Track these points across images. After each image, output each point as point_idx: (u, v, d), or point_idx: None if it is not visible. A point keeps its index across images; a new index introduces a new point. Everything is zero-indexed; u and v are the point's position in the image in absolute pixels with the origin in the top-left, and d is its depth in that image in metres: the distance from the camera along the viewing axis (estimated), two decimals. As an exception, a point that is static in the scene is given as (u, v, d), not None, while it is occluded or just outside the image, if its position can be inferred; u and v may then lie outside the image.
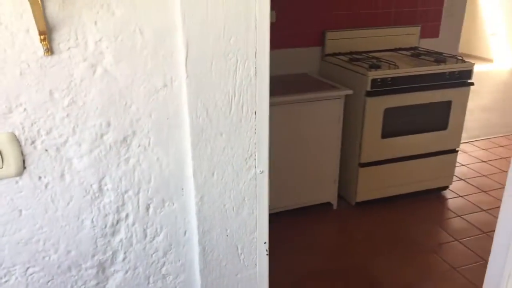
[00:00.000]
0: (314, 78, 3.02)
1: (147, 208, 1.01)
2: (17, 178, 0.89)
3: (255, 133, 1.01)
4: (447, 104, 3.01)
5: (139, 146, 0.95)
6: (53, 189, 0.92)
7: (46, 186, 0.91)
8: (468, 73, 2.97)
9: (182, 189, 1.02)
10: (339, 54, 3.16)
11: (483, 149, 3.96)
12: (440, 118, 3.05)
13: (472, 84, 3.00)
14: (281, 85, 2.82)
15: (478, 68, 4.72)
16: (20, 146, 0.86)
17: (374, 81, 2.76)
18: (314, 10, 3.07)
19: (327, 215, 2.99)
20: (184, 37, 0.88)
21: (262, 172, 1.05)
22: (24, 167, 0.88)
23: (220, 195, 1.04)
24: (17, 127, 0.85)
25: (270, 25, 0.93)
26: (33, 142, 0.87)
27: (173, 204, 1.03)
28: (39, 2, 0.72)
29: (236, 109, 0.97)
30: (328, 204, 3.04)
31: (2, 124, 0.84)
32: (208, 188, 1.02)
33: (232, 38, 0.91)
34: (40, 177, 0.90)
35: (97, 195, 0.96)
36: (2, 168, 0.86)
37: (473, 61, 3.04)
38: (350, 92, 2.76)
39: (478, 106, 5.06)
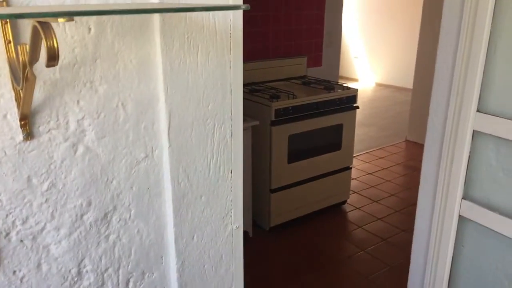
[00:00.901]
0: (219, 111, 3.08)
1: (127, 283, 0.96)
2: (-11, 278, 0.78)
3: (231, 190, 1.03)
4: (339, 127, 3.32)
5: (119, 220, 0.91)
6: (29, 282, 0.83)
7: (21, 280, 0.82)
8: (354, 98, 3.32)
9: (162, 257, 1.00)
10: (239, 86, 3.28)
11: (366, 162, 4.42)
12: (334, 140, 3.35)
13: (357, 107, 3.36)
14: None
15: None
16: (-6, 242, 0.77)
17: (277, 111, 2.93)
18: (212, 45, 3.15)
19: (244, 244, 3.04)
20: (166, 107, 0.87)
21: (237, 227, 1.07)
22: (-3, 264, 0.78)
23: (200, 257, 1.03)
24: (-10, 222, 0.76)
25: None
26: (7, 235, 0.78)
27: (153, 274, 1.00)
28: (34, 87, 0.66)
29: (214, 170, 0.99)
30: (245, 232, 3.10)
31: (-28, 221, 0.74)
32: (189, 252, 1.01)
33: (210, 104, 0.93)
34: (14, 271, 0.81)
35: (75, 279, 0.89)
36: (-27, 270, 0.75)
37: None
38: (256, 123, 2.88)
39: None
